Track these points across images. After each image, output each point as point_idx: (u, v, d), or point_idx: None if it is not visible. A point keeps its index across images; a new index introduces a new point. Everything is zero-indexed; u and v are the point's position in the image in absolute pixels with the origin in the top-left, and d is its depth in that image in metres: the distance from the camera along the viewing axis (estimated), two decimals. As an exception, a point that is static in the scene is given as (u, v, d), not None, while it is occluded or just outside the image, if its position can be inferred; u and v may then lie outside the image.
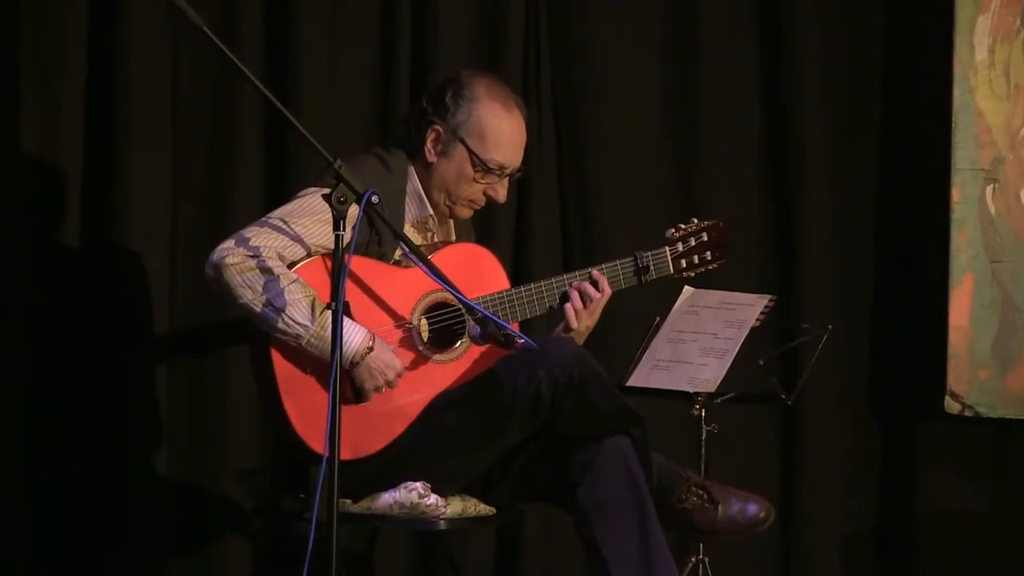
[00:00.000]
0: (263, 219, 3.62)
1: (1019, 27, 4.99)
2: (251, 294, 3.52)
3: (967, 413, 4.98)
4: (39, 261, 4.32)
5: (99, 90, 4.39)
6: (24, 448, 4.29)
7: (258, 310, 3.52)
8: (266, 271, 3.52)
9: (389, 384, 3.58)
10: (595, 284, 3.78)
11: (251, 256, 3.52)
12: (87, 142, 4.38)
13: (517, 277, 4.29)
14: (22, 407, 4.29)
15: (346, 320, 3.52)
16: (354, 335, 3.54)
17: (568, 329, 3.78)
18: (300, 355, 3.57)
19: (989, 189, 4.99)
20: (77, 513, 4.34)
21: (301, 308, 3.50)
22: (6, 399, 4.27)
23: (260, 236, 3.56)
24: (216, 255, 3.54)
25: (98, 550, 4.36)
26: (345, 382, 3.57)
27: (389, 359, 3.59)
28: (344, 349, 3.50)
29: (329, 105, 4.58)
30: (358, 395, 3.59)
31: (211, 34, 3.23)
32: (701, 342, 4.02)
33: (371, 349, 3.55)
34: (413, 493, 3.61)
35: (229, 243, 3.55)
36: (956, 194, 4.97)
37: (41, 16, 4.32)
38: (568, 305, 3.76)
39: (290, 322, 3.51)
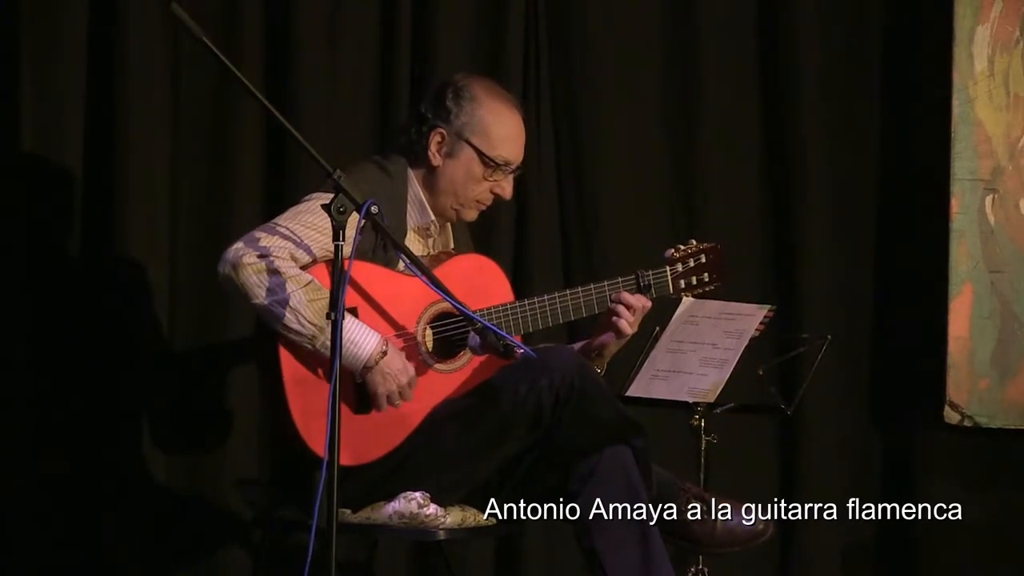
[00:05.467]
0: (271, 223, 3.62)
1: (1018, 37, 4.99)
2: (267, 294, 3.51)
3: (967, 423, 4.98)
4: (39, 272, 4.32)
5: (99, 100, 4.39)
6: (24, 457, 4.29)
7: (274, 310, 3.51)
8: (280, 272, 3.52)
9: (402, 389, 3.58)
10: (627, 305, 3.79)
11: (265, 257, 3.52)
12: (86, 156, 4.39)
13: (517, 286, 4.29)
14: (21, 416, 4.28)
15: (358, 324, 3.54)
16: (368, 339, 3.55)
17: (597, 349, 3.84)
18: (309, 358, 3.56)
19: (989, 199, 4.99)
20: (76, 523, 4.34)
21: (316, 309, 3.50)
22: (5, 408, 4.27)
23: (271, 238, 3.56)
24: (231, 255, 3.54)
25: (97, 560, 4.36)
26: (351, 389, 3.57)
27: (402, 364, 3.59)
28: (357, 353, 3.53)
29: (329, 111, 4.58)
30: (365, 403, 3.59)
31: (212, 46, 3.24)
32: (700, 352, 4.01)
33: (384, 353, 3.55)
34: (413, 503, 3.61)
35: (240, 244, 3.55)
36: (955, 204, 4.98)
37: (41, 22, 4.32)
38: (620, 319, 3.77)
39: (305, 323, 3.50)
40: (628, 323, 3.78)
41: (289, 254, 3.56)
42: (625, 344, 3.86)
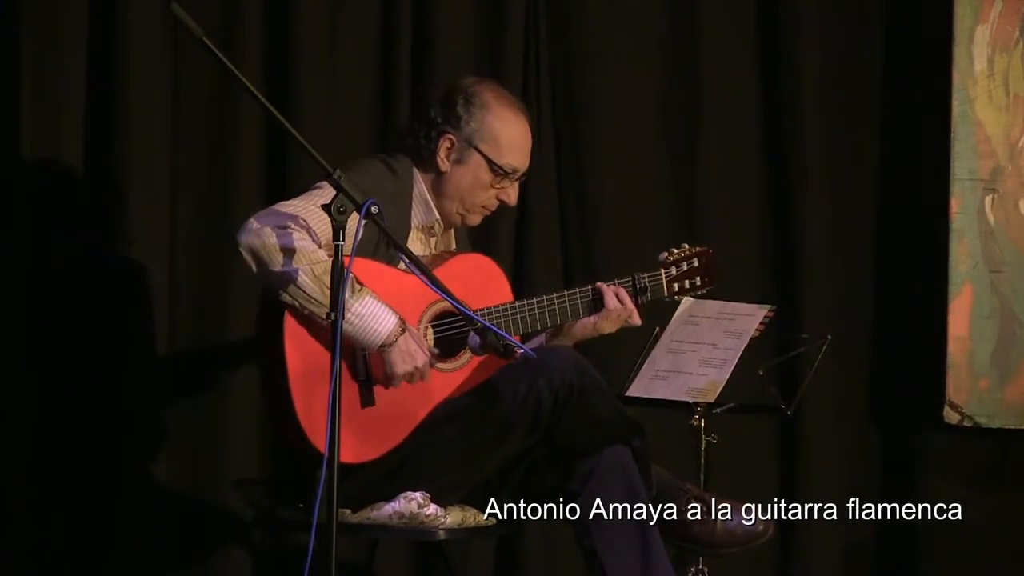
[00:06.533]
0: (284, 202, 3.60)
1: (1018, 37, 5.00)
2: (290, 261, 3.49)
3: (966, 423, 4.98)
4: (39, 272, 4.32)
5: (99, 100, 4.40)
6: (23, 459, 4.29)
7: (294, 276, 3.49)
8: (300, 243, 3.51)
9: (419, 370, 3.58)
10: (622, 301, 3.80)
11: (284, 228, 3.51)
12: (86, 156, 4.39)
13: (517, 286, 4.29)
14: (21, 417, 4.28)
15: (379, 302, 3.53)
16: (388, 316, 3.54)
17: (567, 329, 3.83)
18: (314, 351, 3.55)
19: (988, 199, 4.99)
20: (76, 523, 4.34)
21: None
22: (5, 409, 4.27)
23: (287, 215, 3.54)
24: (253, 224, 3.51)
25: (97, 560, 4.36)
26: (354, 385, 3.57)
27: (420, 342, 3.59)
28: (378, 328, 3.52)
29: (329, 111, 4.58)
30: (370, 398, 3.59)
31: (212, 46, 3.24)
32: (700, 352, 4.02)
33: (403, 332, 3.56)
34: (413, 503, 3.61)
35: (258, 217, 3.53)
36: (955, 204, 4.98)
37: (41, 22, 4.32)
38: (608, 298, 3.78)
39: (328, 291, 3.48)
40: (610, 309, 3.77)
41: (306, 230, 3.55)
42: (592, 338, 3.85)
